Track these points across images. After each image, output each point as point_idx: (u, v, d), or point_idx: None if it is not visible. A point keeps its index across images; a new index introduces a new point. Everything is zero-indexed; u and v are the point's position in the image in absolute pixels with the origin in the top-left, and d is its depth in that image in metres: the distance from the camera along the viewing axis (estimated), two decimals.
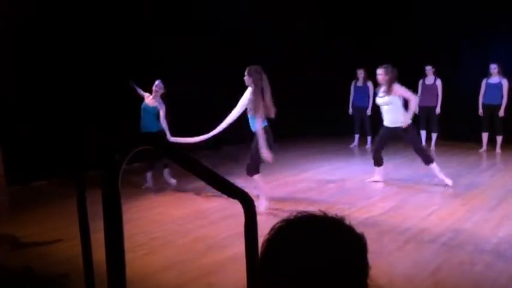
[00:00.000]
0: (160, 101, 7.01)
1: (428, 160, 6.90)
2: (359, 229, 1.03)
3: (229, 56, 9.27)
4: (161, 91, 7.00)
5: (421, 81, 9.81)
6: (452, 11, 9.82)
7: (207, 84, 9.19)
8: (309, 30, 11.15)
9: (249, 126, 5.88)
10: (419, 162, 8.76)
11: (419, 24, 10.13)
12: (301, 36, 11.11)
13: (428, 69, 9.69)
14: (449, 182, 6.85)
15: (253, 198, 2.04)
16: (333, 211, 1.05)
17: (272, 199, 6.41)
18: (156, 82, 7.02)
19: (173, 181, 7.32)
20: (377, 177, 7.31)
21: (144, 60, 8.39)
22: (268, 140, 5.70)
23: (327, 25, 11.16)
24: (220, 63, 9.32)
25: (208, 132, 6.10)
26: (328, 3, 11.22)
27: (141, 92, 7.16)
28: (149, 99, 7.04)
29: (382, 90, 6.95)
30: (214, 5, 9.44)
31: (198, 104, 9.08)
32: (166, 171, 7.32)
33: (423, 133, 9.97)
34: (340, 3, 11.14)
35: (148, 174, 7.24)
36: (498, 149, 9.37)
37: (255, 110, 5.65)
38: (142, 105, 7.09)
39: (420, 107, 9.84)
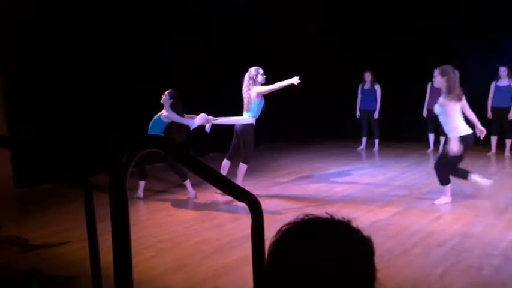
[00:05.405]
0: (170, 110, 6.53)
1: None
2: (366, 232, 1.03)
3: (233, 57, 9.29)
4: (167, 103, 6.55)
5: (429, 84, 9.74)
6: (460, 12, 9.76)
7: (208, 84, 9.24)
8: (318, 31, 11.13)
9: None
10: (425, 165, 8.75)
11: (427, 25, 10.07)
12: (309, 37, 11.09)
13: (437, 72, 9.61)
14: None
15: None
16: (340, 214, 1.05)
17: (279, 202, 6.42)
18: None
19: (192, 193, 6.78)
20: None
21: (150, 61, 8.43)
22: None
23: (336, 26, 11.14)
24: (222, 64, 9.33)
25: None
26: (337, 3, 11.21)
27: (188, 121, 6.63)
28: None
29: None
30: (215, 5, 9.45)
31: (201, 104, 9.11)
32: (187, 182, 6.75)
33: (431, 136, 9.92)
34: (349, 3, 11.13)
35: (142, 183, 6.73)
36: (507, 153, 9.30)
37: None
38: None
39: (429, 110, 9.81)
